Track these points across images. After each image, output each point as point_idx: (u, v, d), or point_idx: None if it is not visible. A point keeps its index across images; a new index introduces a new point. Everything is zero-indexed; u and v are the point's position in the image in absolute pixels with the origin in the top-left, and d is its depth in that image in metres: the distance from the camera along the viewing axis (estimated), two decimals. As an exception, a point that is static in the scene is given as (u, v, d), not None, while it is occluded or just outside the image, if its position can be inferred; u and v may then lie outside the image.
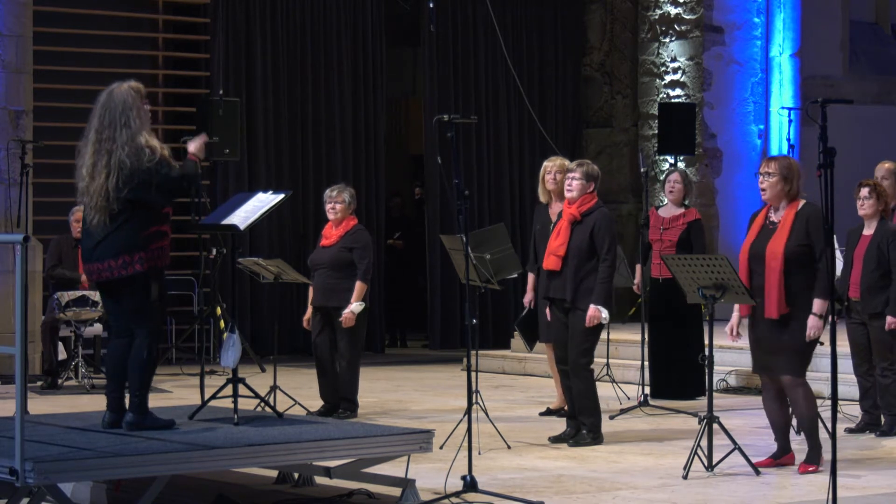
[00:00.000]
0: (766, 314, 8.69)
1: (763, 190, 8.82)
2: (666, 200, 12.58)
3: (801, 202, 8.77)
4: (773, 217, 8.83)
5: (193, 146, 7.97)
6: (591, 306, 9.66)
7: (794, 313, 8.66)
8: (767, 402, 8.98)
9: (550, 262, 9.81)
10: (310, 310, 11.31)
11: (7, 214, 13.87)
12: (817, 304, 8.59)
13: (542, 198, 11.23)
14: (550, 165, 11.13)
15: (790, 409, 9.04)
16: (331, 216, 11.31)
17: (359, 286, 11.09)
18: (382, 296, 17.18)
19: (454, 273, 13.52)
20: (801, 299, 8.64)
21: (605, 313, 9.68)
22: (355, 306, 11.06)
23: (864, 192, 10.19)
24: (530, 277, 11.27)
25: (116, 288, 7.75)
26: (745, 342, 9.01)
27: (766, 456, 9.00)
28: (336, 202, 11.26)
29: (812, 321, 8.61)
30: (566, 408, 10.54)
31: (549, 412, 11.53)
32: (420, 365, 15.98)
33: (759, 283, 8.73)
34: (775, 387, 8.90)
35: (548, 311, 10.06)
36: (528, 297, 11.33)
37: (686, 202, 12.37)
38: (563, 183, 10.82)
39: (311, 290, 11.32)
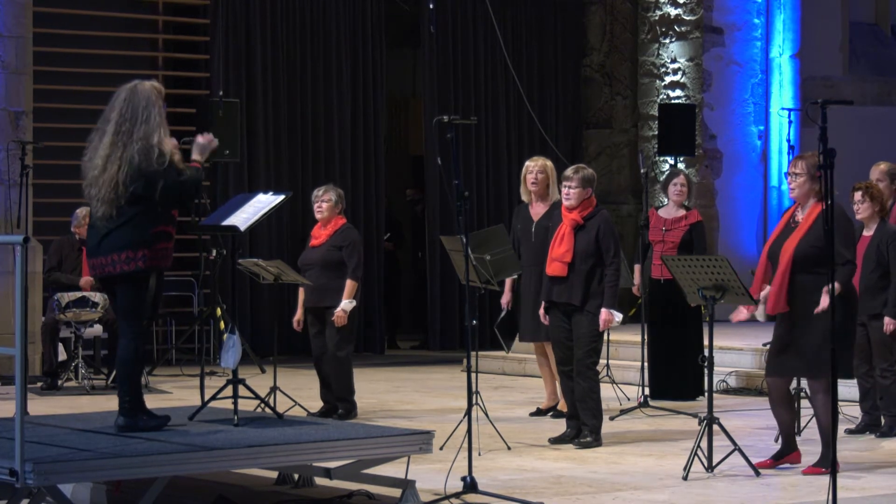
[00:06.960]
0: (766, 309, 8.71)
1: (792, 190, 8.82)
2: (666, 201, 12.58)
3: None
4: (798, 215, 8.82)
5: (198, 152, 7.96)
6: (604, 310, 9.66)
7: (797, 313, 8.62)
8: (772, 407, 8.98)
9: (555, 268, 9.78)
10: (300, 311, 11.30)
11: (7, 215, 13.86)
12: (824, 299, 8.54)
13: (525, 197, 11.32)
14: (532, 165, 11.23)
15: (796, 411, 9.02)
16: (318, 215, 11.29)
17: (349, 284, 11.07)
18: (382, 297, 17.18)
19: (454, 274, 13.52)
20: (806, 299, 8.59)
21: (618, 316, 9.72)
22: (346, 304, 11.03)
23: (857, 196, 10.17)
24: (507, 279, 11.28)
25: (117, 283, 7.74)
26: (745, 342, 9.00)
27: (766, 457, 8.99)
28: (323, 201, 11.25)
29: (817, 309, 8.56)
30: (558, 407, 10.53)
31: (539, 412, 11.52)
32: (420, 366, 15.97)
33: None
34: (777, 392, 8.89)
35: (543, 313, 10.01)
36: (505, 299, 11.36)
37: (686, 203, 12.38)
38: (544, 183, 11.00)
39: (300, 290, 11.30)
